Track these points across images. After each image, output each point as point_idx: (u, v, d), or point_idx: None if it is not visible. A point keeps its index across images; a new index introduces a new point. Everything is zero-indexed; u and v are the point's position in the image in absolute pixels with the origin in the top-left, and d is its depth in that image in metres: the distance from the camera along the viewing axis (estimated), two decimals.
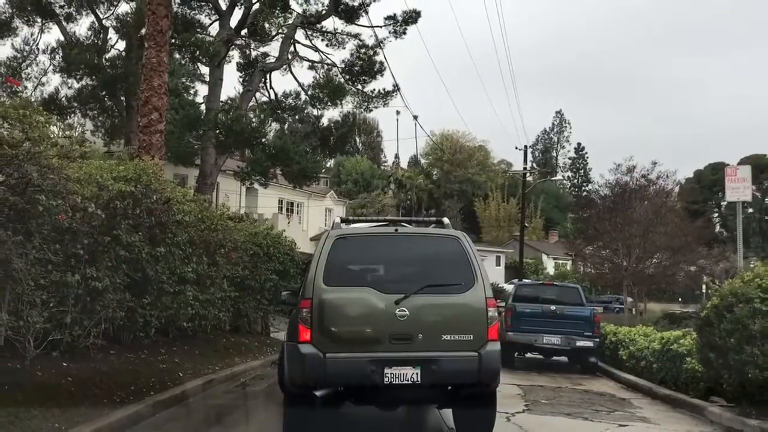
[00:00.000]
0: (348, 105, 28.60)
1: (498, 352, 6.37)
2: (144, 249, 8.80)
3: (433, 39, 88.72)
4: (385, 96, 28.98)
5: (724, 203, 74.88)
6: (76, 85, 22.78)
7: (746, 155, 69.29)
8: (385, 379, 6.09)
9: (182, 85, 29.28)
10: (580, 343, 13.16)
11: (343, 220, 7.77)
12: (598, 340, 13.37)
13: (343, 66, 28.27)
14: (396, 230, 7.06)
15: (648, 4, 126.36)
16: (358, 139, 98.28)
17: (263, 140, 24.42)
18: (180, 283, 10.25)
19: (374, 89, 28.77)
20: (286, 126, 30.31)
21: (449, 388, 6.45)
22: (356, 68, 28.32)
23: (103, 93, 22.66)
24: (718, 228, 78.01)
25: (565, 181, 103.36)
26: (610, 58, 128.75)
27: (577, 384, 11.95)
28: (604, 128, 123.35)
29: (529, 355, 14.56)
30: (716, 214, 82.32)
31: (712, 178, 76.38)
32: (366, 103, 29.52)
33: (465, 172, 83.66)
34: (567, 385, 11.75)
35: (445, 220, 7.79)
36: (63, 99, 22.75)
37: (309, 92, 26.54)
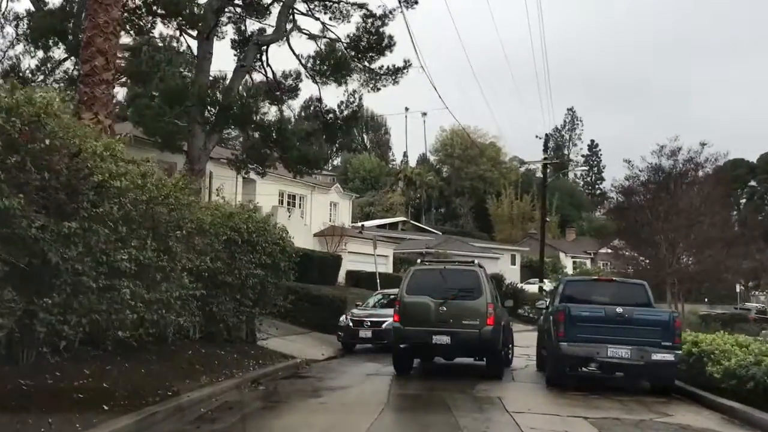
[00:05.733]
0: (354, 83, 25.44)
1: (490, 331, 11.36)
2: (35, 222, 5.75)
3: (442, 38, 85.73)
4: (395, 73, 25.77)
5: None
6: (41, 55, 19.81)
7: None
8: (433, 341, 11.44)
9: (165, 61, 26.17)
10: (657, 357, 9.91)
11: (422, 262, 13.76)
12: (680, 352, 10.18)
13: (348, 41, 25.16)
14: (444, 267, 12.89)
15: (664, 8, 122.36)
16: (365, 137, 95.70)
17: (256, 118, 21.41)
18: (111, 276, 7.24)
19: (382, 66, 25.64)
20: (284, 110, 27.23)
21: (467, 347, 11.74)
22: (363, 43, 25.21)
23: (70, 58, 19.74)
24: None
25: (577, 179, 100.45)
26: (618, 58, 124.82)
27: (660, 413, 8.84)
28: (617, 126, 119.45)
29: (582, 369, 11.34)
30: None
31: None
32: (374, 82, 26.25)
33: (477, 168, 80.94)
34: (648, 415, 8.64)
35: (476, 261, 12.96)
36: (26, 70, 19.77)
37: (309, 64, 23.42)
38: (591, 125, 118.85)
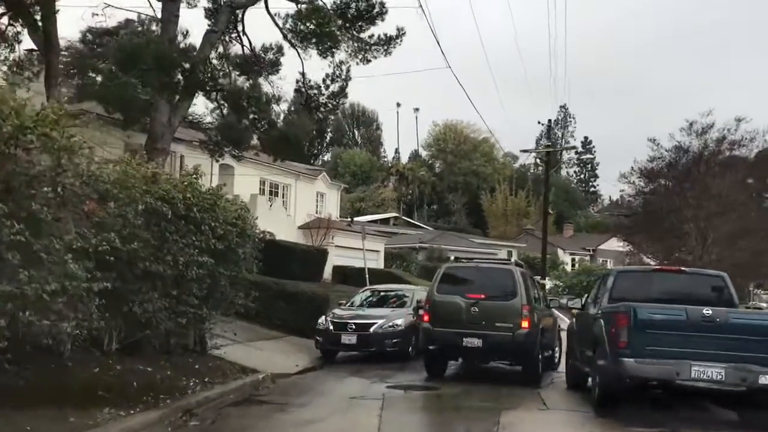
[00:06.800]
0: (341, 54, 22.45)
1: (523, 334, 10.62)
2: None
3: (441, 34, 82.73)
4: (387, 42, 22.66)
5: None
6: None
7: None
8: (463, 343, 10.81)
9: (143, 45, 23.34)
10: (766, 380, 6.97)
11: (456, 260, 13.37)
12: None
13: (334, 8, 22.09)
14: (477, 265, 12.35)
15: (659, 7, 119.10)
16: (356, 132, 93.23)
17: (229, 80, 18.40)
18: None
19: (373, 35, 22.63)
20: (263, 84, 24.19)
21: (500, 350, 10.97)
22: (351, 11, 22.18)
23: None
24: None
25: (570, 177, 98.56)
26: (613, 56, 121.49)
27: None
28: (610, 124, 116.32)
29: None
30: None
31: None
32: (363, 52, 23.11)
33: (470, 164, 78.93)
34: None
35: (513, 260, 13.38)
36: None
37: (288, 25, 20.32)
38: (584, 123, 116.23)
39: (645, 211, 21.77)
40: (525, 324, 10.57)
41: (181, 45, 19.78)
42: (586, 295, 11.18)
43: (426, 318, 11.31)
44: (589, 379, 9.76)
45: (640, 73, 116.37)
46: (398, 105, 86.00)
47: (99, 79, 17.87)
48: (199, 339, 10.48)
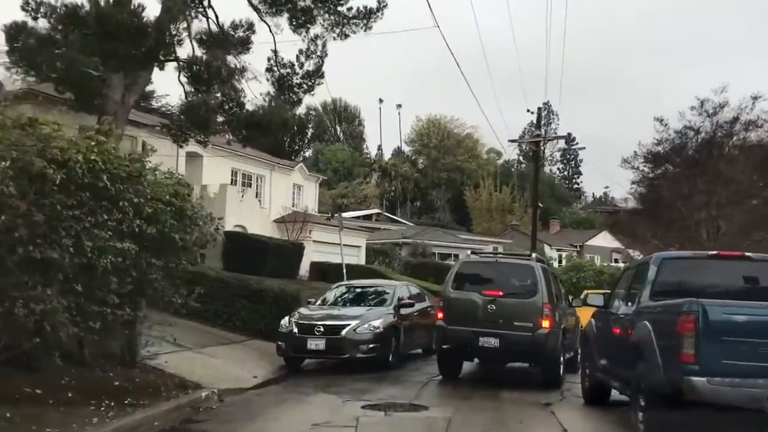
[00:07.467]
0: (316, 28, 20.31)
1: (544, 334, 9.94)
2: None
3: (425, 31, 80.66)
4: (367, 16, 20.61)
5: None
6: None
7: None
8: (479, 343, 10.20)
9: None
10: None
11: (473, 253, 14.08)
12: None
13: None
14: (496, 260, 12.09)
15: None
16: (338, 128, 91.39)
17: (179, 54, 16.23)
18: None
19: (351, 7, 20.54)
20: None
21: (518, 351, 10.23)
22: None
23: None
24: None
25: (554, 175, 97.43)
26: (599, 54, 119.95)
27: None
28: (593, 122, 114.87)
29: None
30: None
31: None
32: (340, 27, 21.06)
33: (454, 159, 77.42)
34: None
35: (534, 255, 12.95)
36: None
37: None
38: (566, 121, 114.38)
39: (649, 198, 19.93)
40: (546, 324, 9.94)
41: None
42: (604, 291, 9.26)
43: (440, 316, 10.79)
44: (612, 391, 7.93)
45: (622, 72, 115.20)
46: (381, 101, 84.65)
47: (33, 44, 15.61)
48: (129, 348, 8.39)
